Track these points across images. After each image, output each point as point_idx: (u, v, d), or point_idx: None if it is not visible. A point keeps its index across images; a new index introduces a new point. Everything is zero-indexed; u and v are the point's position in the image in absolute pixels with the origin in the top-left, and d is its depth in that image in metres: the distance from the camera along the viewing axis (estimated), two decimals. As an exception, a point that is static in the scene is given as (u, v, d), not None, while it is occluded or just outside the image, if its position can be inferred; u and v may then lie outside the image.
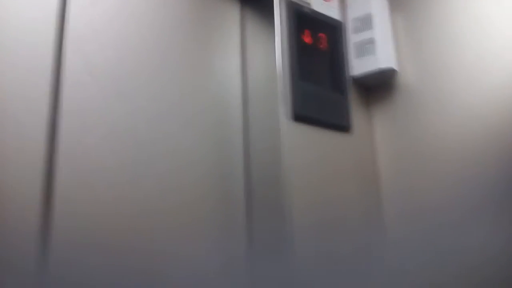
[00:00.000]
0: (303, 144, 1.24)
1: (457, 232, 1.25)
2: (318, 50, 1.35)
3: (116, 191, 0.92)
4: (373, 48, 1.38)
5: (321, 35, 1.36)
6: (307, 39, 1.32)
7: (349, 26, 1.44)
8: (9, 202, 0.77)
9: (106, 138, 0.93)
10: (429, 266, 1.28)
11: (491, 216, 1.20)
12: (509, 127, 1.21)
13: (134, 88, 1.00)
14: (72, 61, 0.90)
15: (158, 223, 0.97)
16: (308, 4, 1.34)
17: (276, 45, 1.23)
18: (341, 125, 1.35)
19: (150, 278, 0.92)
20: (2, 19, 0.82)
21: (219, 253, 1.06)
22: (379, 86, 1.46)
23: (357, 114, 1.42)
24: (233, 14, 1.32)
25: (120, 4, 1.01)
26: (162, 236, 0.96)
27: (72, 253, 0.83)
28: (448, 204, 1.28)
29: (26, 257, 0.77)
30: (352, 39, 1.42)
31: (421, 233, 1.31)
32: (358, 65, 1.40)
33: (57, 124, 0.86)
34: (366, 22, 1.41)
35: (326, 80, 1.35)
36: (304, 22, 1.32)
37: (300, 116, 1.24)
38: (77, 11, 0.93)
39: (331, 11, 1.40)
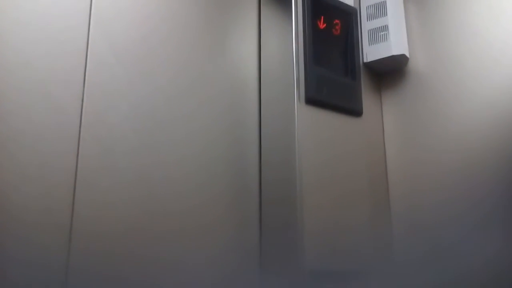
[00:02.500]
0: (315, 126, 1.28)
1: (461, 223, 1.29)
2: (332, 35, 1.38)
3: (137, 169, 0.97)
4: (387, 35, 1.41)
5: (336, 21, 1.39)
6: (322, 25, 1.35)
7: (364, 13, 1.47)
8: (40, 169, 0.83)
9: (128, 118, 0.98)
10: (433, 257, 1.32)
11: (499, 213, 1.23)
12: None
13: (155, 68, 1.05)
14: (97, 42, 0.94)
15: (177, 205, 1.02)
16: (324, -10, 1.38)
17: (293, 30, 1.27)
18: (353, 110, 1.38)
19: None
20: (37, 5, 0.86)
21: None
22: (390, 72, 1.50)
23: (368, 99, 1.46)
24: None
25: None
26: (181, 216, 1.02)
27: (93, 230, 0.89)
28: (453, 190, 1.32)
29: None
30: (366, 26, 1.46)
31: (426, 222, 1.35)
32: (371, 52, 1.44)
33: (83, 104, 0.91)
34: (380, 9, 1.44)
35: (340, 65, 1.39)
36: (320, 8, 1.35)
37: (313, 99, 1.28)
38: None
39: (347, -3, 1.43)
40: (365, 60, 1.45)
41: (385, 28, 1.42)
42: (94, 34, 0.93)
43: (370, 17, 1.45)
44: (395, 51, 1.41)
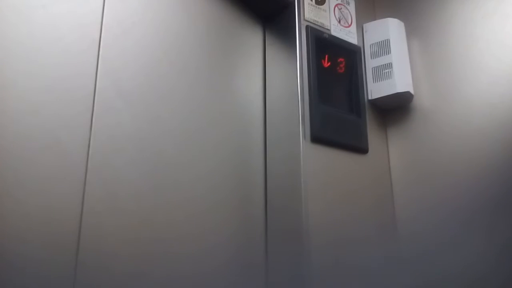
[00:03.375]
0: (321, 164, 1.28)
1: (466, 249, 1.28)
2: (337, 73, 1.40)
3: (143, 212, 0.97)
4: (391, 72, 1.42)
5: (340, 59, 1.41)
6: (326, 63, 1.37)
7: (367, 51, 1.49)
8: (47, 215, 0.83)
9: (135, 161, 0.98)
10: (440, 280, 1.30)
11: (503, 238, 1.23)
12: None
13: (162, 112, 1.06)
14: (105, 89, 0.96)
15: (184, 245, 1.02)
16: (328, 30, 1.40)
17: (298, 70, 1.28)
18: (359, 147, 1.39)
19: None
20: (48, 53, 0.88)
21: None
22: (395, 109, 1.51)
23: (373, 136, 1.46)
24: (256, 39, 1.38)
25: (150, 33, 1.07)
26: (186, 259, 1.01)
27: (99, 264, 0.88)
28: (459, 223, 1.31)
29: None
30: (371, 63, 1.47)
31: (433, 250, 1.34)
32: (376, 89, 1.45)
33: (90, 146, 0.92)
34: (383, 47, 1.46)
35: (345, 103, 1.40)
36: (324, 47, 1.37)
37: (318, 137, 1.28)
38: (109, 41, 0.98)
39: (350, 36, 1.45)
40: (370, 97, 1.45)
41: (389, 65, 1.43)
42: (102, 81, 0.95)
43: (374, 55, 1.47)
44: (400, 89, 1.41)
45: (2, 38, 0.83)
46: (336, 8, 1.45)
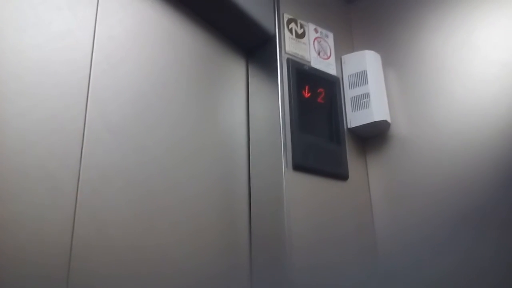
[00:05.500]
0: (303, 191, 1.33)
1: (445, 265, 1.33)
2: (317, 103, 1.46)
3: (131, 239, 1.00)
4: (368, 102, 1.49)
5: (320, 90, 1.48)
6: (307, 94, 1.43)
7: (346, 82, 1.56)
8: (38, 248, 0.86)
9: (123, 189, 1.02)
10: None
11: (484, 260, 1.28)
12: (490, 178, 1.30)
13: (149, 142, 1.10)
14: (94, 121, 1.00)
15: (170, 271, 1.05)
16: (308, 62, 1.47)
17: (280, 100, 1.34)
18: (339, 174, 1.44)
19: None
20: (40, 89, 0.92)
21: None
22: (374, 137, 1.57)
23: (353, 162, 1.52)
24: (240, 71, 1.44)
25: (137, 67, 1.12)
26: (174, 279, 1.04)
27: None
28: (438, 244, 1.36)
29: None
30: (349, 93, 1.54)
31: (413, 267, 1.39)
32: (355, 118, 1.51)
33: (80, 177, 0.95)
34: (361, 78, 1.53)
35: (325, 132, 1.46)
36: (305, 79, 1.43)
37: (300, 165, 1.33)
38: (98, 76, 1.03)
39: (329, 68, 1.52)
40: (349, 126, 1.52)
41: (366, 95, 1.50)
42: (91, 113, 0.99)
43: (352, 85, 1.54)
44: (377, 117, 1.48)
45: (-4, 75, 0.87)
46: (316, 41, 1.52)
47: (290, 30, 1.45)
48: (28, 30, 0.92)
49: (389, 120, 1.52)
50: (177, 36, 1.25)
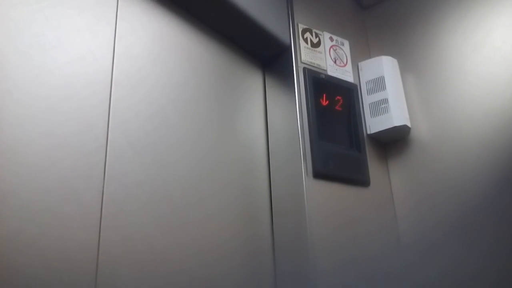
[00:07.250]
0: (324, 199, 1.33)
1: (468, 264, 1.32)
2: (335, 111, 1.47)
3: (156, 254, 1.02)
4: (387, 107, 1.49)
5: (338, 97, 1.48)
6: (324, 102, 1.44)
7: (364, 88, 1.56)
8: (65, 265, 0.88)
9: (146, 206, 1.04)
10: None
11: (503, 253, 1.26)
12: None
13: (171, 159, 1.12)
14: (116, 139, 1.02)
15: (196, 285, 1.06)
16: (325, 70, 1.47)
17: (297, 109, 1.35)
18: (360, 180, 1.44)
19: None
20: (62, 110, 0.95)
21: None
22: (394, 142, 1.56)
23: (375, 168, 1.51)
24: (257, 83, 1.46)
25: (157, 85, 1.14)
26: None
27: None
28: (464, 251, 1.35)
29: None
30: (367, 99, 1.53)
31: (437, 279, 1.37)
32: (374, 124, 1.51)
33: (104, 194, 0.98)
34: (379, 83, 1.53)
35: (344, 139, 1.46)
36: (322, 87, 1.44)
37: (321, 173, 1.33)
38: (119, 96, 1.05)
39: (346, 75, 1.53)
40: (368, 132, 1.51)
41: (385, 101, 1.49)
42: (113, 132, 1.01)
43: (370, 92, 1.53)
44: (397, 122, 1.47)
45: (21, 100, 0.90)
46: (332, 49, 1.53)
47: (305, 40, 1.47)
48: (50, 52, 0.96)
49: (409, 124, 1.51)
50: (194, 51, 1.27)
